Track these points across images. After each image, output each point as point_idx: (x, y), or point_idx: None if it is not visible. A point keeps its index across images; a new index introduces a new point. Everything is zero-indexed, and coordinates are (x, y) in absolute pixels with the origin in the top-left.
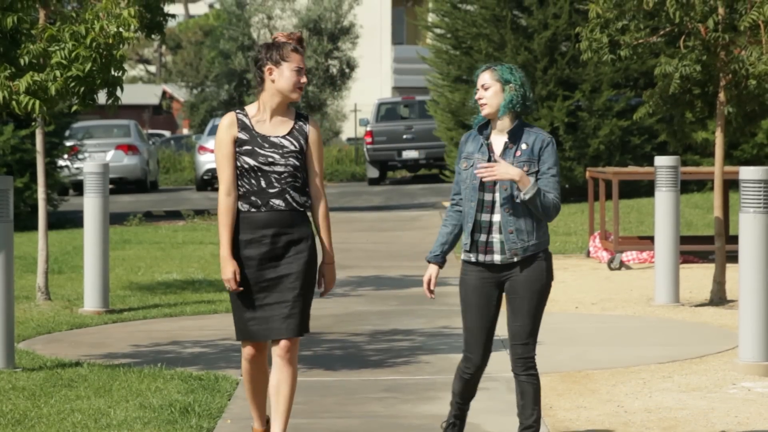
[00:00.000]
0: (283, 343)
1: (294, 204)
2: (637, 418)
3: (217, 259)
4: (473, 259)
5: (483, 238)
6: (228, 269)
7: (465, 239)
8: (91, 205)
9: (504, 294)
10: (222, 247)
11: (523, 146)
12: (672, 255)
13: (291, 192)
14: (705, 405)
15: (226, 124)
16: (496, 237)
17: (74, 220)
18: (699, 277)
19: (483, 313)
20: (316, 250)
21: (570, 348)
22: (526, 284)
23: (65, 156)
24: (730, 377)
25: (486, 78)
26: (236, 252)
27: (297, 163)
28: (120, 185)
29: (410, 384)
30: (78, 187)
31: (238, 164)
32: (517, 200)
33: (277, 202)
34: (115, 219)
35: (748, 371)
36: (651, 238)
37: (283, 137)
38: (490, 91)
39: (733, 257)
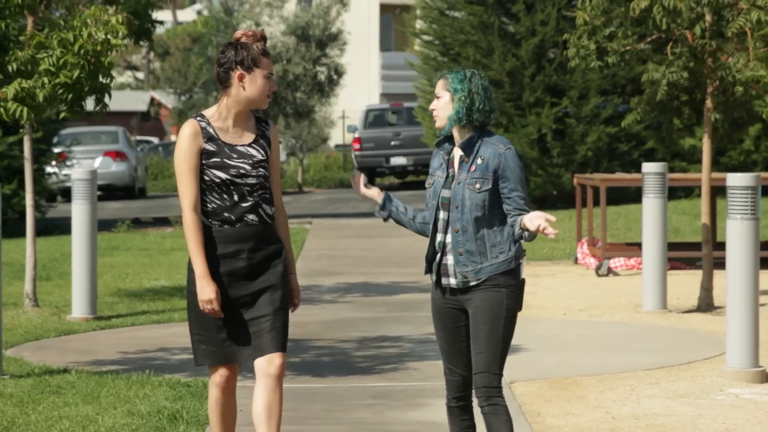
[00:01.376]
0: (274, 359)
1: (266, 217)
2: (625, 425)
3: None
4: (432, 280)
5: (438, 259)
6: (209, 289)
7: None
8: (79, 211)
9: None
10: (197, 265)
11: (479, 160)
12: (659, 261)
13: (263, 204)
14: (692, 411)
15: (190, 133)
16: (449, 259)
17: (62, 227)
18: (686, 283)
19: (453, 334)
20: (287, 262)
21: (558, 354)
22: (484, 310)
23: (53, 163)
24: (717, 383)
25: (439, 87)
26: (213, 269)
27: (266, 173)
28: (108, 192)
29: (398, 390)
30: (66, 194)
31: (206, 178)
32: (520, 238)
33: (251, 217)
34: (103, 225)
35: (735, 377)
36: (638, 245)
37: (250, 146)
38: (441, 101)
39: (720, 264)
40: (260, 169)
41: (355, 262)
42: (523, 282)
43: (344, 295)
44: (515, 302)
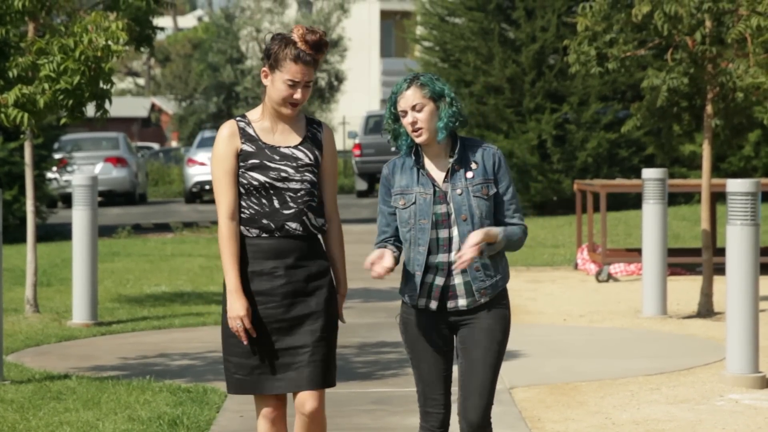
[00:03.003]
0: (309, 399)
1: (312, 228)
2: (625, 430)
3: (206, 271)
4: (426, 306)
5: (440, 281)
6: (239, 305)
7: (408, 284)
8: (79, 217)
9: (457, 339)
10: (229, 279)
11: (473, 165)
12: (659, 267)
13: (308, 213)
14: (693, 417)
15: (226, 134)
16: (458, 278)
17: (63, 233)
18: (686, 289)
19: (438, 360)
20: (334, 284)
21: (558, 360)
22: (489, 332)
23: (54, 168)
24: (717, 389)
25: (415, 96)
26: (244, 286)
27: (314, 179)
28: (109, 198)
29: (399, 396)
30: (67, 200)
31: (244, 182)
32: (484, 255)
33: (294, 226)
34: (103, 231)
35: (735, 383)
36: (638, 251)
37: (296, 147)
38: (424, 111)
39: (720, 269)
40: (306, 174)
41: (355, 268)
42: None
43: (344, 301)
44: (509, 319)
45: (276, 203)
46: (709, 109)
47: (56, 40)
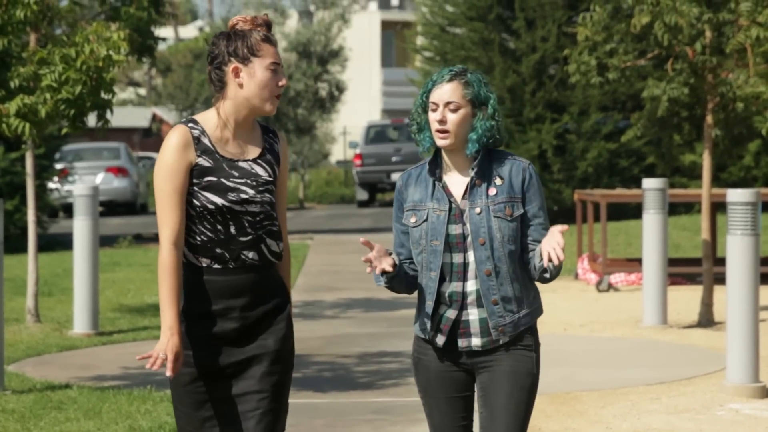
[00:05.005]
0: None
1: (270, 256)
2: None
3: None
4: (434, 343)
5: (452, 314)
6: (172, 342)
7: (420, 315)
8: (80, 227)
9: (477, 385)
10: (165, 317)
11: (497, 180)
12: (660, 277)
13: (267, 239)
14: (693, 427)
15: (178, 144)
16: (472, 313)
17: (64, 243)
18: (687, 299)
19: (453, 408)
20: (292, 318)
21: (559, 369)
22: (512, 375)
23: (55, 178)
24: (718, 399)
25: (454, 93)
26: (186, 328)
27: (272, 199)
28: (110, 208)
29: (400, 406)
30: (68, 210)
31: (197, 203)
32: (543, 273)
33: (251, 255)
34: (104, 241)
35: (736, 393)
36: (639, 260)
37: (255, 161)
38: (458, 114)
39: (720, 279)
40: (266, 194)
41: (356, 278)
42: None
43: (345, 311)
44: (539, 359)
45: (232, 229)
46: (709, 119)
47: (58, 50)
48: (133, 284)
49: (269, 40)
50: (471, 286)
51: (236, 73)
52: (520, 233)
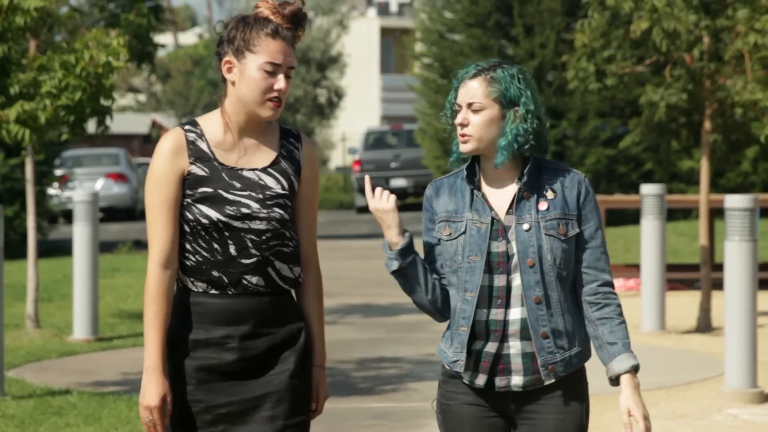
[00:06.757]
0: None
1: (280, 282)
2: None
3: None
4: (470, 382)
5: (491, 348)
6: (154, 391)
7: (452, 348)
8: (80, 233)
9: None
10: (149, 350)
11: (549, 194)
12: (658, 283)
13: (275, 262)
14: None
15: (169, 149)
16: (514, 346)
17: (64, 249)
18: (685, 304)
19: None
20: (311, 353)
21: None
22: (560, 427)
23: (55, 184)
24: (716, 404)
25: (477, 92)
26: (177, 359)
27: (285, 215)
28: (109, 213)
29: (398, 411)
30: (68, 216)
31: (190, 217)
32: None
33: (254, 281)
34: (104, 247)
35: (734, 398)
36: (637, 266)
37: (264, 171)
38: (480, 116)
39: (718, 285)
40: (275, 209)
41: (355, 284)
42: None
43: (344, 317)
44: (588, 406)
45: (231, 249)
46: (707, 125)
47: (57, 56)
48: (133, 290)
49: (278, 34)
50: (515, 314)
51: (229, 68)
52: (573, 257)
